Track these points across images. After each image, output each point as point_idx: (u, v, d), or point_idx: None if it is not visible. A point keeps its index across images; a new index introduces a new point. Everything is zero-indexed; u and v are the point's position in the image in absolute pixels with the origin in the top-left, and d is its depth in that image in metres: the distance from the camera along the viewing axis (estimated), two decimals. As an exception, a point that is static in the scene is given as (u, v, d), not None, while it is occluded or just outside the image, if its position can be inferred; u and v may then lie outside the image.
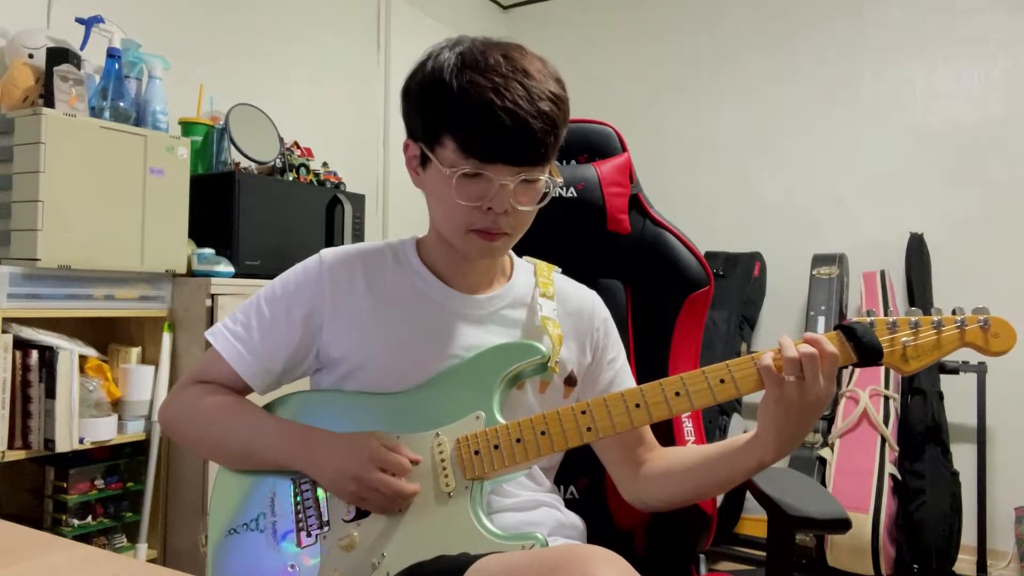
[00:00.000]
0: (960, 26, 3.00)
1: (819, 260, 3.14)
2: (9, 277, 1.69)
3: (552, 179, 0.93)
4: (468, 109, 0.85)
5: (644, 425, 0.93)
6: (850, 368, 2.92)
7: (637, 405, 0.89)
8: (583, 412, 0.90)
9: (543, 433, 0.89)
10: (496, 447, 0.89)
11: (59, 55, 1.81)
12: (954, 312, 0.88)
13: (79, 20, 2.01)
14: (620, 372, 1.09)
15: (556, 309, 1.04)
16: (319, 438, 0.92)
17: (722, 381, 0.88)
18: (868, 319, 0.89)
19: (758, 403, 0.90)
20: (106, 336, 2.03)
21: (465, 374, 0.94)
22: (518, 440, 0.89)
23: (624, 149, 1.35)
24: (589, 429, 0.89)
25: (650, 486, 1.03)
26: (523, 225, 0.95)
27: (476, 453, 0.89)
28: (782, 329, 3.19)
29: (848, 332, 0.87)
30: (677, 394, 0.88)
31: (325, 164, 2.57)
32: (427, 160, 0.92)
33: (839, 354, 0.85)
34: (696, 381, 0.88)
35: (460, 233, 0.93)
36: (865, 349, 0.86)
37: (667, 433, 1.20)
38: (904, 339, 0.88)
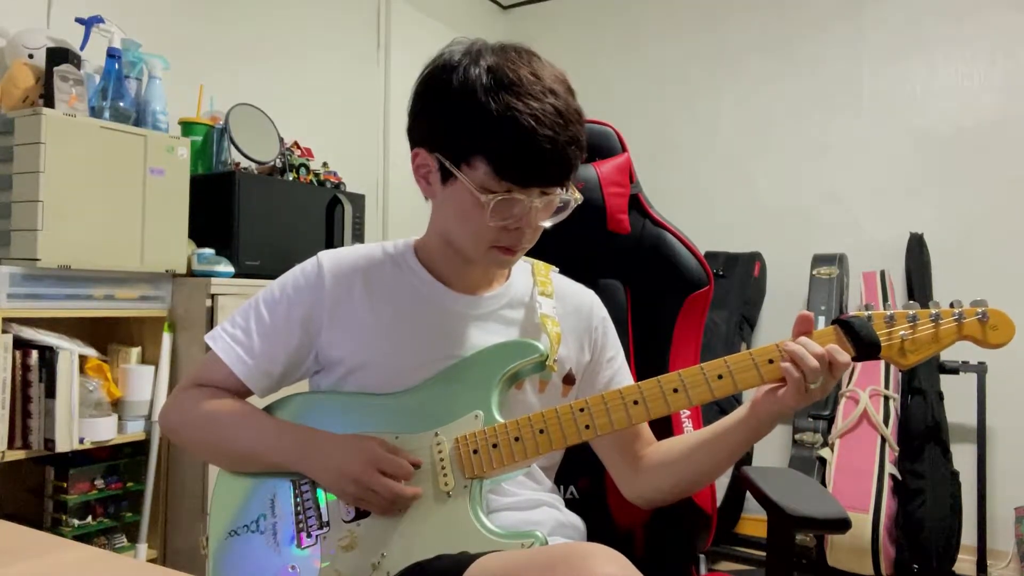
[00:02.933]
0: (960, 26, 3.00)
1: (819, 260, 3.14)
2: (9, 277, 1.69)
3: (573, 195, 0.94)
4: (508, 136, 0.85)
5: (642, 422, 0.93)
6: (850, 366, 2.94)
7: (635, 402, 0.89)
8: (581, 410, 0.90)
9: (542, 431, 0.89)
10: (495, 446, 0.89)
11: (59, 55, 1.81)
12: (952, 305, 0.88)
13: (79, 20, 2.01)
14: (619, 371, 1.09)
15: (555, 307, 1.04)
16: (319, 440, 0.92)
17: (720, 377, 0.88)
18: (866, 313, 0.89)
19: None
20: (106, 336, 2.03)
21: (463, 373, 0.94)
22: (516, 439, 0.89)
23: (624, 149, 1.35)
24: (587, 427, 0.89)
25: (649, 479, 1.03)
26: (537, 237, 0.96)
27: (475, 452, 0.89)
28: (782, 329, 3.16)
29: (846, 326, 0.88)
30: (675, 391, 0.89)
31: (325, 164, 2.57)
32: (449, 176, 0.91)
33: (849, 361, 0.87)
34: (694, 378, 0.88)
35: (483, 250, 0.93)
36: (863, 343, 0.86)
37: (667, 436, 1.20)
38: (902, 333, 0.87)
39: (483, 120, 0.86)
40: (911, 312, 0.88)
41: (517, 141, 0.85)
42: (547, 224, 0.93)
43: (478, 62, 0.89)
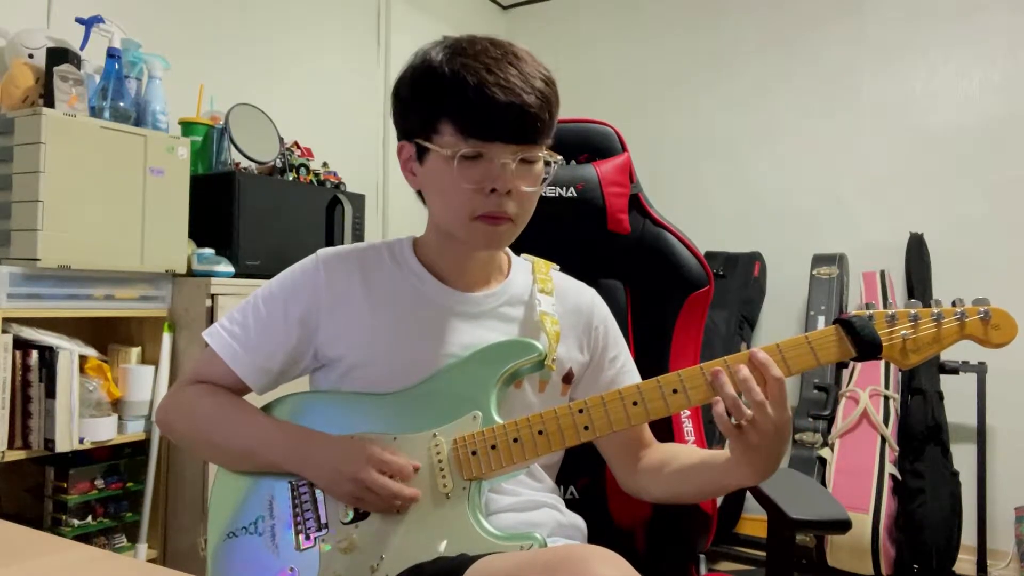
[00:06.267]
0: (960, 26, 3.00)
1: (819, 260, 3.14)
2: (9, 277, 1.69)
3: (552, 158, 0.93)
4: (463, 90, 0.86)
5: (642, 423, 0.92)
6: (850, 366, 2.94)
7: (635, 403, 0.89)
8: (580, 411, 0.89)
9: (540, 432, 0.89)
10: (493, 447, 0.89)
11: (59, 55, 1.81)
12: (954, 304, 0.87)
13: (79, 20, 2.01)
14: (622, 370, 1.08)
15: (555, 305, 1.03)
16: (316, 440, 0.92)
17: None
18: (867, 312, 0.88)
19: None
20: (106, 336, 2.03)
21: (462, 373, 0.94)
22: (515, 440, 0.89)
23: (624, 149, 1.35)
24: (587, 428, 0.89)
25: (647, 480, 1.03)
26: (526, 212, 0.94)
27: (473, 454, 0.89)
28: (782, 329, 3.19)
29: (847, 326, 0.87)
30: (675, 391, 0.88)
31: (325, 164, 2.57)
32: (424, 153, 0.92)
33: (782, 377, 0.84)
34: (694, 378, 0.88)
35: (465, 221, 0.92)
36: (864, 343, 0.85)
37: (667, 434, 1.20)
38: (903, 332, 0.86)
39: (440, 83, 0.88)
40: (913, 311, 0.87)
41: (472, 93, 0.86)
42: (529, 190, 0.92)
43: (439, 45, 0.91)
